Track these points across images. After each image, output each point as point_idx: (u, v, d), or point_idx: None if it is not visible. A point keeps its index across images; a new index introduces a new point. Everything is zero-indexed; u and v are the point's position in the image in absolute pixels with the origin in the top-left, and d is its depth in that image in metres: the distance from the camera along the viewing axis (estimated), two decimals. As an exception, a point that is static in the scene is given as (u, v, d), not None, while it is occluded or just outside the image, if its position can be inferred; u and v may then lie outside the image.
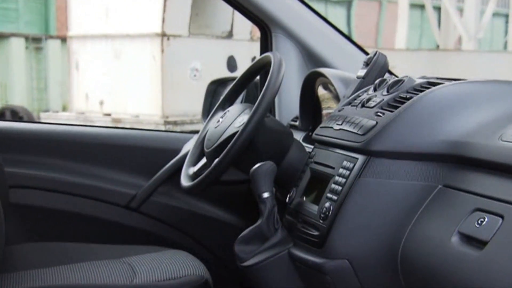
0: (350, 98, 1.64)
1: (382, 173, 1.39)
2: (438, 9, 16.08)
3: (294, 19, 2.17)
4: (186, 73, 8.07)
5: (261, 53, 2.22)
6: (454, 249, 1.19)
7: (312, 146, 1.68)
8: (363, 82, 1.68)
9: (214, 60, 8.19)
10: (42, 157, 2.25)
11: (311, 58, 2.17)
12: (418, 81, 1.52)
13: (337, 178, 1.47)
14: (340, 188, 1.44)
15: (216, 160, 1.70)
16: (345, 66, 2.10)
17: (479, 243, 1.15)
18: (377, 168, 1.40)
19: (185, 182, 1.85)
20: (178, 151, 2.25)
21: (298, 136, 1.98)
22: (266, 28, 2.19)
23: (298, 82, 2.11)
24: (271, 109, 2.19)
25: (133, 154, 2.31)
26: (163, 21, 7.90)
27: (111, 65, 8.41)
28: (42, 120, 9.30)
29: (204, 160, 1.86)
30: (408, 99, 1.44)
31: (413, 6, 16.95)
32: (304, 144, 1.84)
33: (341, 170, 1.46)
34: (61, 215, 2.23)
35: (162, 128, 7.89)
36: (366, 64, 1.71)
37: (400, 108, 1.43)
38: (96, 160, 2.28)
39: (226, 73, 7.99)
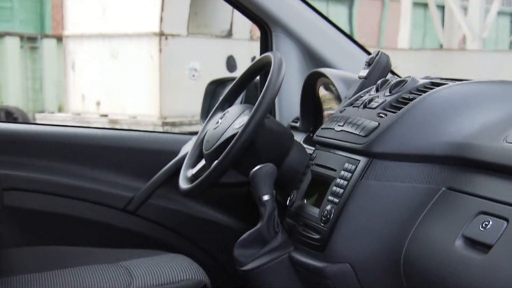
0: (352, 99, 1.64)
1: (384, 176, 1.39)
2: (441, 7, 16.08)
3: (294, 18, 2.17)
4: (185, 73, 8.07)
5: (261, 52, 2.23)
6: (458, 253, 1.19)
7: (313, 148, 1.68)
8: (365, 82, 1.68)
9: (213, 60, 8.19)
10: (37, 159, 2.25)
11: (312, 58, 2.17)
12: (421, 81, 1.52)
13: (338, 180, 1.47)
14: (341, 190, 1.44)
15: (215, 162, 1.70)
16: (347, 66, 2.10)
17: (484, 247, 1.15)
18: (379, 170, 1.40)
19: (183, 184, 1.85)
20: (176, 152, 2.25)
21: (299, 137, 1.98)
22: (266, 27, 2.20)
23: (298, 82, 2.11)
24: (271, 110, 2.19)
25: (130, 156, 2.31)
26: (161, 20, 7.90)
27: (108, 65, 8.40)
28: (37, 121, 9.29)
29: (203, 162, 1.86)
30: (411, 100, 1.44)
31: (416, 4, 16.95)
32: (305, 145, 1.84)
33: (342, 172, 1.47)
34: (57, 218, 2.23)
35: (160, 129, 7.89)
36: (368, 64, 1.71)
37: (403, 109, 1.43)
38: (92, 162, 2.28)
39: (226, 73, 7.99)
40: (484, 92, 1.44)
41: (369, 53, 2.06)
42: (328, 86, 1.96)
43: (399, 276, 1.35)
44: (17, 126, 2.56)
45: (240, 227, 2.25)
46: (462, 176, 1.31)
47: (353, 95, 1.67)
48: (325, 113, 2.00)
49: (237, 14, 2.41)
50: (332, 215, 1.44)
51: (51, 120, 9.10)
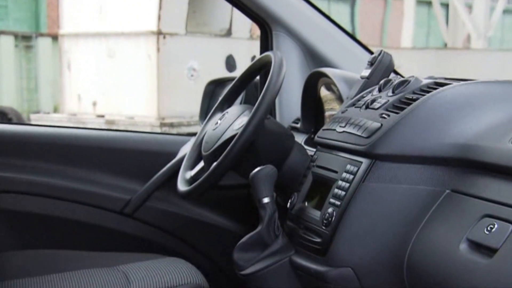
0: (354, 99, 1.64)
1: (387, 178, 1.39)
2: (445, 5, 16.08)
3: (295, 16, 2.17)
4: (183, 73, 8.07)
5: (261, 52, 2.23)
6: (463, 257, 1.19)
7: (314, 149, 1.69)
8: (368, 82, 1.69)
9: (212, 59, 8.20)
10: (32, 161, 2.25)
11: (313, 57, 2.17)
12: (425, 81, 1.52)
13: (340, 182, 1.47)
14: (343, 193, 1.44)
15: (214, 163, 1.70)
16: (349, 66, 2.10)
17: (489, 251, 1.15)
18: (382, 172, 1.40)
19: (181, 186, 1.85)
20: (174, 154, 2.26)
21: (300, 138, 1.98)
22: (267, 26, 2.20)
23: (299, 82, 2.11)
24: (271, 110, 2.19)
25: (127, 158, 2.31)
26: (159, 18, 7.91)
27: (105, 64, 8.41)
28: (32, 122, 9.29)
29: (201, 164, 1.86)
30: (415, 100, 1.45)
31: (419, 2, 16.95)
32: (306, 147, 1.84)
33: (344, 174, 1.47)
34: (52, 221, 2.23)
35: (158, 130, 7.90)
36: (371, 63, 1.71)
37: (406, 109, 1.43)
38: (89, 163, 2.28)
39: (225, 73, 7.99)
40: (489, 93, 1.44)
41: (371, 53, 2.06)
42: (330, 86, 1.96)
43: (402, 281, 1.35)
44: (11, 127, 2.56)
45: (239, 230, 2.25)
46: (466, 178, 1.31)
47: (355, 95, 1.67)
48: (327, 113, 2.00)
49: (237, 13, 2.40)
50: (333, 218, 1.44)
51: (46, 120, 9.11)
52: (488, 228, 1.17)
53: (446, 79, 1.54)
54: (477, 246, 1.18)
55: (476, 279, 1.15)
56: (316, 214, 1.52)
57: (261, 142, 1.71)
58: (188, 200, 2.25)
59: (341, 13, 17.14)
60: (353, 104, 1.62)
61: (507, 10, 17.88)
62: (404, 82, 1.52)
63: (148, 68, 8.01)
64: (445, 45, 16.06)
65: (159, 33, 7.91)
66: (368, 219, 1.40)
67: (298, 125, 2.10)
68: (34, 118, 9.59)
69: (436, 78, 1.55)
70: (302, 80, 2.06)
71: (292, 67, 2.15)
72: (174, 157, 2.25)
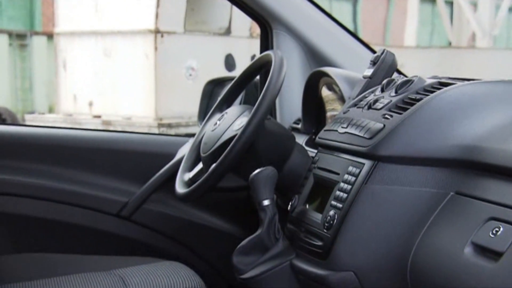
0: (356, 99, 1.65)
1: (390, 180, 1.39)
2: (450, 3, 16.09)
3: (296, 15, 2.17)
4: (181, 73, 8.08)
5: (261, 51, 2.23)
6: (467, 261, 1.19)
7: (316, 151, 1.69)
8: (370, 82, 1.69)
9: (211, 58, 8.20)
10: (27, 162, 2.25)
11: (314, 56, 2.18)
12: (429, 81, 1.52)
13: (342, 184, 1.47)
14: (345, 195, 1.44)
15: (213, 165, 1.70)
16: (351, 65, 2.11)
17: (494, 255, 1.15)
18: (384, 174, 1.40)
19: (180, 189, 1.85)
20: (172, 155, 2.26)
21: (301, 139, 1.98)
22: (267, 24, 2.20)
23: (300, 82, 2.11)
24: (271, 111, 2.19)
25: (124, 159, 2.31)
26: (157, 16, 7.91)
27: (101, 63, 8.41)
28: (27, 123, 9.30)
29: (200, 166, 1.86)
30: (418, 100, 1.45)
31: (423, 0, 16.97)
32: (307, 148, 1.84)
33: (346, 176, 1.47)
34: (48, 224, 2.23)
35: (156, 131, 7.90)
36: (373, 63, 1.71)
37: (409, 110, 1.43)
38: (85, 165, 2.28)
39: (224, 73, 8.00)
40: (494, 93, 1.44)
41: (374, 52, 2.06)
42: (331, 86, 1.96)
43: (406, 285, 1.35)
44: (5, 128, 2.56)
45: (239, 233, 2.25)
46: (471, 180, 1.31)
47: (357, 95, 1.67)
48: (328, 114, 2.00)
49: (236, 11, 2.40)
50: (335, 221, 1.44)
51: (41, 121, 9.11)
52: (493, 231, 1.17)
53: (450, 78, 1.54)
54: (482, 250, 1.18)
55: (481, 284, 1.15)
56: (317, 216, 1.52)
57: (261, 143, 1.71)
58: (187, 202, 2.25)
59: (343, 11, 17.15)
60: (355, 105, 1.62)
61: (513, 8, 17.87)
62: (407, 82, 1.53)
63: (146, 68, 8.01)
64: (449, 43, 16.07)
65: (156, 31, 7.91)
66: (371, 222, 1.40)
67: (299, 126, 2.10)
68: (29, 119, 9.60)
69: (440, 78, 1.55)
70: (303, 79, 2.06)
71: (292, 67, 2.15)
72: (172, 158, 2.25)
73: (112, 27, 8.25)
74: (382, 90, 1.59)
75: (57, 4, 9.06)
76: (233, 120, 1.77)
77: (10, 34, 11.73)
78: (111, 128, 7.91)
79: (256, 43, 2.41)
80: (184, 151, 2.14)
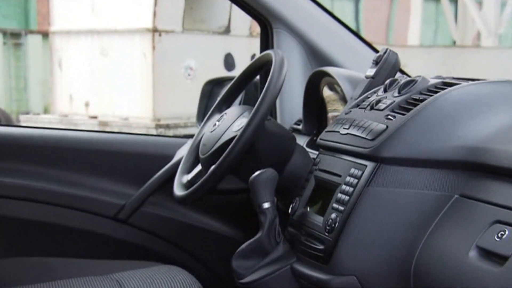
0: (358, 99, 1.65)
1: (393, 182, 1.39)
2: (454, 1, 16.08)
3: (297, 13, 2.17)
4: (180, 72, 8.07)
5: (261, 50, 2.23)
6: (472, 265, 1.19)
7: (317, 152, 1.69)
8: (372, 82, 1.69)
9: (210, 58, 8.20)
10: (20, 164, 2.25)
11: (315, 56, 2.18)
12: (433, 81, 1.52)
13: (344, 187, 1.47)
14: (347, 198, 1.44)
15: (212, 167, 1.70)
16: (353, 65, 2.11)
17: (499, 259, 1.15)
18: (387, 176, 1.40)
19: (178, 191, 1.85)
20: (170, 157, 2.26)
21: (302, 141, 1.98)
22: (267, 23, 2.20)
23: (301, 82, 2.11)
24: (272, 111, 2.19)
25: (121, 161, 2.31)
26: (155, 15, 7.91)
27: (98, 63, 8.41)
28: (22, 123, 9.30)
29: (199, 167, 1.86)
30: (422, 101, 1.45)
31: (427, -2, 16.96)
32: (308, 149, 1.84)
33: (348, 178, 1.47)
34: (43, 227, 2.23)
35: (154, 132, 7.90)
36: (376, 62, 1.71)
37: (412, 110, 1.43)
38: (81, 167, 2.28)
39: (223, 72, 8.00)
40: (500, 93, 1.45)
41: (376, 51, 2.06)
42: (333, 86, 1.96)
43: (409, 289, 1.35)
44: (0, 129, 2.56)
45: (238, 237, 2.25)
46: (476, 183, 1.31)
47: (360, 95, 1.67)
48: (330, 115, 2.00)
49: (236, 9, 2.41)
50: (337, 224, 1.45)
51: (36, 122, 9.11)
52: (499, 235, 1.17)
53: (454, 78, 1.54)
54: (487, 254, 1.18)
55: (486, 288, 1.15)
56: (319, 219, 1.52)
57: (261, 145, 1.71)
58: (185, 205, 2.26)
59: (345, 10, 17.14)
60: (357, 105, 1.62)
61: (518, 6, 17.86)
62: (411, 82, 1.53)
63: (143, 67, 8.01)
64: (454, 42, 16.06)
65: (154, 30, 7.91)
66: (373, 225, 1.40)
67: (300, 127, 2.10)
68: (24, 119, 9.60)
69: (444, 78, 1.55)
70: (304, 79, 2.06)
71: (293, 66, 2.15)
72: (170, 160, 2.25)
73: (109, 26, 8.25)
74: (385, 90, 1.59)
75: (52, 2, 9.06)
76: (233, 121, 1.77)
77: (4, 33, 11.71)
78: (108, 129, 7.91)
79: (256, 42, 2.41)
80: (182, 152, 2.14)
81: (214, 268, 2.30)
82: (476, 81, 1.48)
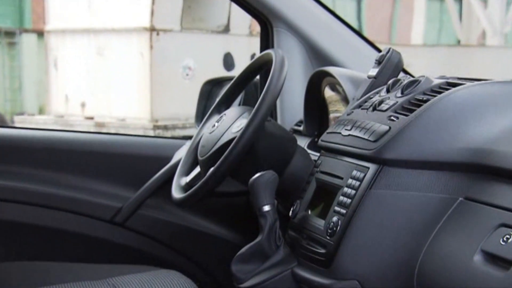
0: (361, 100, 1.65)
1: (396, 184, 1.40)
2: (459, 0, 16.09)
3: (298, 12, 2.18)
4: (178, 72, 8.08)
5: (261, 50, 2.23)
6: (477, 269, 1.19)
7: (318, 154, 1.69)
8: (375, 82, 1.69)
9: (209, 57, 8.20)
10: (16, 166, 2.25)
11: (316, 55, 2.18)
12: (436, 81, 1.52)
13: (346, 189, 1.47)
14: (349, 200, 1.45)
15: (211, 169, 1.70)
16: (355, 65, 2.11)
17: (505, 263, 1.15)
18: (390, 179, 1.40)
19: (176, 193, 1.85)
20: (168, 159, 2.26)
21: (303, 142, 1.98)
22: (267, 22, 2.20)
23: (302, 82, 2.12)
24: (272, 112, 2.19)
25: (118, 163, 2.31)
26: (152, 14, 7.91)
27: (94, 63, 8.41)
28: (16, 124, 9.30)
29: (198, 169, 1.86)
30: (425, 101, 1.45)
31: (431, -4, 16.97)
32: (309, 151, 1.84)
33: (350, 181, 1.47)
34: (38, 231, 2.23)
35: (151, 133, 7.90)
36: (378, 62, 1.71)
37: (416, 111, 1.43)
38: (77, 169, 2.28)
39: (223, 72, 8.00)
40: (505, 93, 1.45)
41: (379, 50, 2.06)
42: (335, 86, 1.96)
43: (412, 294, 1.35)
44: (-6, 130, 2.56)
45: (238, 240, 2.25)
46: (480, 185, 1.31)
47: (362, 96, 1.67)
48: (331, 116, 2.01)
49: (235, 8, 2.41)
50: (338, 227, 1.45)
51: (31, 123, 9.11)
52: (504, 239, 1.17)
53: (459, 78, 1.54)
54: (492, 258, 1.18)
55: (491, 293, 1.15)
56: (320, 223, 1.52)
57: (261, 146, 1.71)
58: (183, 208, 2.26)
59: (346, 8, 17.15)
60: (359, 106, 1.62)
61: (524, 5, 17.87)
62: (414, 82, 1.53)
63: (141, 67, 8.01)
64: (458, 42, 16.07)
65: (152, 29, 7.91)
66: (376, 228, 1.41)
67: (301, 128, 2.10)
68: (18, 120, 9.59)
69: (448, 78, 1.55)
70: (305, 80, 2.07)
71: (294, 66, 2.15)
72: (168, 162, 2.25)
73: (106, 25, 8.25)
74: (388, 91, 1.59)
75: (48, 0, 9.06)
76: (232, 122, 1.77)
77: (-2, 32, 11.72)
78: (104, 130, 7.91)
79: (256, 42, 2.41)
80: (180, 154, 2.14)
81: (213, 272, 2.30)
82: (481, 82, 1.48)
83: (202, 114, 2.28)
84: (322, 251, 1.48)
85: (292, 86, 2.15)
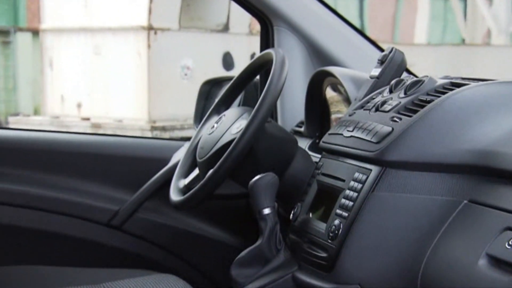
0: (363, 101, 1.65)
1: (399, 187, 1.40)
2: (463, -2, 16.10)
3: (298, 10, 2.18)
4: (176, 72, 8.07)
5: (262, 49, 2.23)
6: (482, 274, 1.19)
7: (319, 156, 1.69)
8: (378, 82, 1.69)
9: (208, 56, 8.20)
10: (10, 168, 2.25)
11: (318, 55, 2.18)
12: (440, 81, 1.52)
13: (347, 192, 1.47)
14: (351, 203, 1.45)
15: (210, 171, 1.70)
16: (357, 65, 2.11)
17: (510, 267, 1.15)
18: (393, 181, 1.40)
19: (174, 196, 1.85)
20: (166, 160, 2.26)
21: (304, 144, 1.99)
22: (267, 20, 2.20)
23: (303, 82, 2.12)
24: (272, 113, 2.19)
25: (115, 165, 2.31)
26: (150, 12, 7.91)
27: (91, 62, 8.41)
28: (11, 125, 9.30)
29: (196, 171, 1.86)
30: (429, 102, 1.45)
31: (435, -5, 16.97)
32: (310, 153, 1.85)
33: (352, 183, 1.47)
34: (33, 234, 2.23)
35: (149, 134, 7.89)
36: (381, 62, 1.71)
37: (419, 112, 1.43)
38: (73, 171, 2.28)
39: (222, 72, 7.99)
40: (510, 94, 1.45)
41: (382, 50, 2.06)
42: (336, 86, 1.96)
43: (416, 299, 1.35)
44: (-12, 131, 2.56)
45: (238, 244, 2.25)
46: (485, 188, 1.31)
47: (364, 96, 1.67)
48: (333, 116, 2.01)
49: (235, 6, 2.41)
50: (340, 230, 1.45)
51: (26, 124, 9.09)
52: (510, 243, 1.17)
53: (463, 79, 1.55)
54: (497, 262, 1.18)
55: (496, 298, 1.15)
56: (321, 226, 1.52)
57: (261, 148, 1.71)
58: (182, 211, 2.25)
59: (348, 7, 17.15)
60: (361, 106, 1.62)
61: (530, 3, 17.87)
62: (418, 83, 1.53)
63: (138, 67, 8.01)
64: (463, 41, 16.06)
65: (149, 28, 7.91)
66: (378, 231, 1.41)
67: (302, 129, 2.10)
68: (13, 121, 9.58)
69: (452, 78, 1.55)
70: (306, 80, 2.07)
71: (295, 66, 2.15)
72: (166, 163, 2.25)
73: (103, 24, 8.24)
74: (391, 91, 1.59)
75: (42, -1, 9.06)
76: (232, 123, 1.77)
77: (-8, 31, 11.72)
78: (101, 132, 7.91)
79: (256, 41, 2.41)
80: (179, 156, 2.14)
81: (212, 276, 2.30)
82: (486, 82, 1.48)
83: (201, 114, 2.28)
84: (324, 255, 1.48)
85: (293, 86, 2.15)
